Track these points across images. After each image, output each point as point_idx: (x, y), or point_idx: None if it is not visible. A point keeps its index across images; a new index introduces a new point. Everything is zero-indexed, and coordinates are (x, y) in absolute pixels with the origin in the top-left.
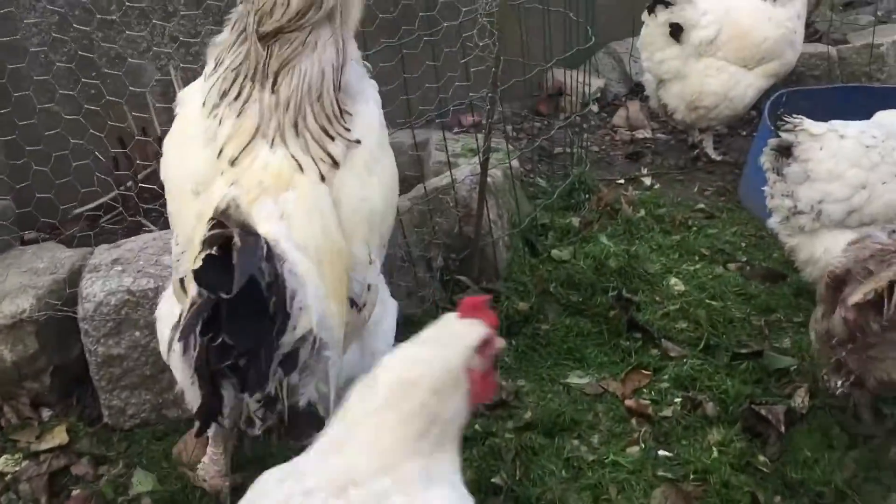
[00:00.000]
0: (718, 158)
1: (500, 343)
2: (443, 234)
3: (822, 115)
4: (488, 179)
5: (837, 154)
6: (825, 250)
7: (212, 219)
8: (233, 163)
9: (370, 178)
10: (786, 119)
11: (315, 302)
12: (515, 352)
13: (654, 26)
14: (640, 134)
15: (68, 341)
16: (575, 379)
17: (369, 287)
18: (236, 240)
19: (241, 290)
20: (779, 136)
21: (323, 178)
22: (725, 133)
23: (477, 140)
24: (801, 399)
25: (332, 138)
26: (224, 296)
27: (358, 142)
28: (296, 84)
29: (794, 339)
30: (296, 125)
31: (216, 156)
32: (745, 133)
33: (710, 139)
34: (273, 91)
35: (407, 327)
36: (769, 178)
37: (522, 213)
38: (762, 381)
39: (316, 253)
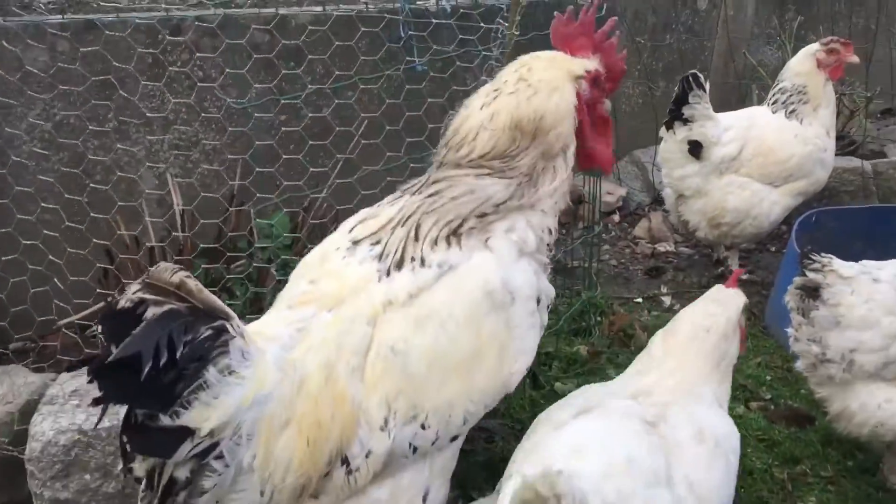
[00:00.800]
0: (745, 277)
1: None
2: None
3: (854, 238)
4: None
5: (871, 299)
6: (861, 405)
7: (160, 286)
8: (355, 242)
9: (417, 334)
10: (813, 258)
11: (230, 409)
12: None
13: (672, 143)
14: (662, 247)
15: (18, 480)
16: None
17: (368, 454)
18: (151, 312)
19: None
20: (805, 275)
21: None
22: (753, 248)
23: None
24: None
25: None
26: (106, 345)
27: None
28: (440, 192)
29: (819, 497)
30: (405, 222)
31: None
32: (774, 249)
33: (736, 256)
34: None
35: None
36: (793, 320)
37: None
38: None
39: (301, 378)
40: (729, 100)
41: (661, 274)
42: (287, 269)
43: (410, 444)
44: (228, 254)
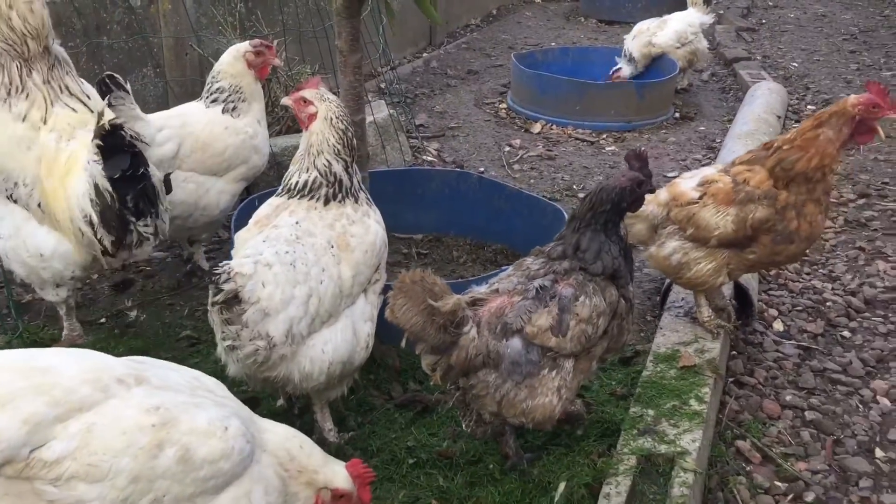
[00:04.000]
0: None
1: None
2: None
3: None
4: None
5: (278, 282)
6: (311, 360)
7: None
8: (44, 121)
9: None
10: (216, 271)
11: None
12: None
13: None
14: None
15: None
16: None
17: None
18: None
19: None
20: (220, 290)
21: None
22: (227, 238)
23: None
24: None
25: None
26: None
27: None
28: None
29: None
30: (61, 90)
31: (22, 121)
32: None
33: (201, 250)
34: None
35: None
36: (228, 333)
37: None
38: None
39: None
40: (194, 92)
41: (130, 287)
42: None
43: None
44: None
